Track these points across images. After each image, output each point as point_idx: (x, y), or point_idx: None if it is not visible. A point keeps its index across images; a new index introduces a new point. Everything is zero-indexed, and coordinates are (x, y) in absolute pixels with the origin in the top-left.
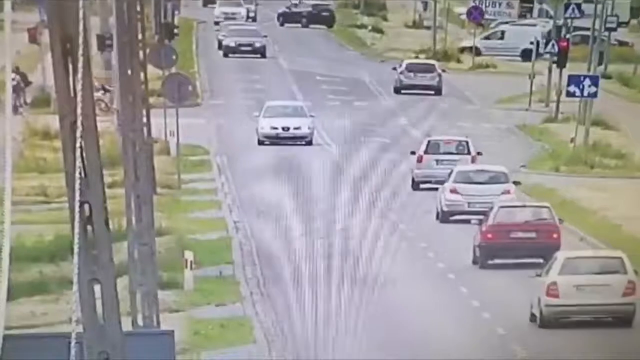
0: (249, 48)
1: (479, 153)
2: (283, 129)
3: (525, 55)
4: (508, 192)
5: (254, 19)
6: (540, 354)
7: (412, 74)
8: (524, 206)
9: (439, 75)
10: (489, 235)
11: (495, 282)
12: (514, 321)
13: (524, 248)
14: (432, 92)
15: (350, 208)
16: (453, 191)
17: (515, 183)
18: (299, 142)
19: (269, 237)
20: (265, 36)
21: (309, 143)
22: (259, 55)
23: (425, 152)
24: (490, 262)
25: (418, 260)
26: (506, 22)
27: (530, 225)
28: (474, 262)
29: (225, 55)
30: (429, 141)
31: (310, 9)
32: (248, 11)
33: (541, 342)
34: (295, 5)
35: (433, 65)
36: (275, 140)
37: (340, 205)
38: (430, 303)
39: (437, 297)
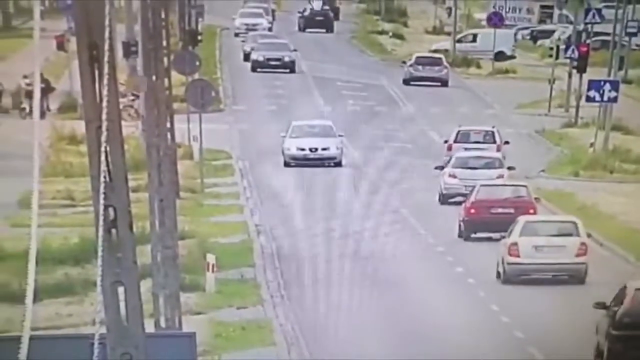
0: (278, 63)
1: (506, 142)
2: (310, 150)
3: (499, 57)
4: (502, 176)
5: (270, 29)
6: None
7: (421, 67)
8: (504, 185)
9: (446, 68)
10: (472, 211)
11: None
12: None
13: (503, 223)
14: (440, 84)
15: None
16: (452, 176)
17: (510, 169)
18: (327, 164)
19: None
20: (295, 50)
21: (338, 164)
22: (287, 70)
23: (455, 140)
24: (473, 235)
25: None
26: (526, 28)
27: (509, 202)
28: (459, 235)
29: (254, 69)
30: (458, 131)
31: (307, 13)
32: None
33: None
34: (304, 11)
35: (440, 59)
36: (302, 162)
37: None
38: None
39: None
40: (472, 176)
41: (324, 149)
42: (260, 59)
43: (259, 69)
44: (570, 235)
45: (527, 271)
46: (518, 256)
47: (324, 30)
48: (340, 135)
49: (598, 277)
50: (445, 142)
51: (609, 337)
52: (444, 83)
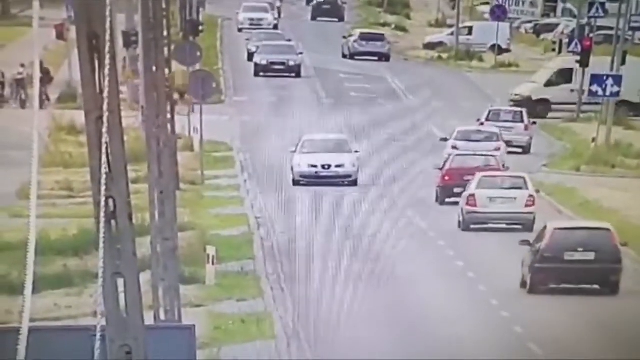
0: (282, 67)
1: (534, 122)
2: (323, 167)
3: (493, 50)
4: (498, 149)
5: (276, 27)
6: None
7: (364, 42)
8: (475, 154)
9: (389, 43)
10: (446, 178)
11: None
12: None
13: None
14: (382, 59)
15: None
16: (454, 147)
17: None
18: (341, 182)
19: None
20: (301, 53)
21: (354, 183)
22: (293, 75)
23: (487, 119)
24: (447, 200)
25: None
26: (529, 21)
27: (479, 169)
28: (436, 200)
29: (257, 74)
30: (490, 110)
31: (315, 2)
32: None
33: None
34: (312, 0)
35: (383, 35)
36: (314, 180)
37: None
38: None
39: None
40: (472, 148)
41: (338, 166)
42: (264, 62)
43: (262, 73)
44: (520, 188)
45: (483, 219)
46: (475, 206)
47: (335, 20)
48: (355, 152)
49: None
50: (478, 120)
51: (532, 269)
52: (387, 58)
